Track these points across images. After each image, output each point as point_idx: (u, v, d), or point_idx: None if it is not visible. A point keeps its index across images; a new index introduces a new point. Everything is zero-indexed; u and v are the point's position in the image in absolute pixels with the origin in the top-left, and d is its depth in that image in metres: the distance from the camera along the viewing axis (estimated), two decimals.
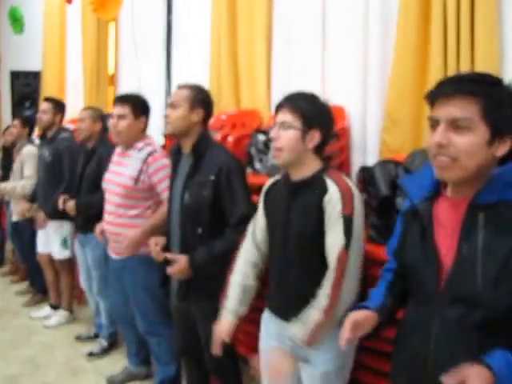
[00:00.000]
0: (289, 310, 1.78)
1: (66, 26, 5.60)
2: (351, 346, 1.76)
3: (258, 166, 2.74)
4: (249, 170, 2.71)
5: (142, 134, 2.79)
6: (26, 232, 4.46)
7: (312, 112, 1.74)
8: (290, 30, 2.84)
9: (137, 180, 2.66)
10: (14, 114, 5.88)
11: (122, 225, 2.73)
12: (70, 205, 3.29)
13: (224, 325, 1.93)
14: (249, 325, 2.27)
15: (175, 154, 2.38)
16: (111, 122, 2.75)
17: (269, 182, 1.96)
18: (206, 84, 2.50)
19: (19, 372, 3.40)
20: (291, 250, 1.77)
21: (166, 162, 2.62)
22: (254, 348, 2.07)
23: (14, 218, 4.58)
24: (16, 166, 4.48)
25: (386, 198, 2.06)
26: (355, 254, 1.66)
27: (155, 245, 2.33)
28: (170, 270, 2.22)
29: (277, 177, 1.92)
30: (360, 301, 1.57)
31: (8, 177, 4.68)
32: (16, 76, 6.14)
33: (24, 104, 6.00)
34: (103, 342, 3.64)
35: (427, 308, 1.27)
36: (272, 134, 1.77)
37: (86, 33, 4.93)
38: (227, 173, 2.17)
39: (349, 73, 2.55)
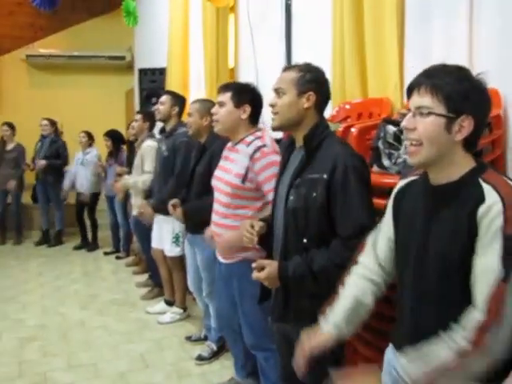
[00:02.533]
0: (405, 337, 1.40)
1: (189, 21, 5.61)
2: None
3: (386, 163, 2.23)
4: (375, 169, 2.26)
5: (249, 125, 2.52)
6: (145, 226, 4.46)
7: (460, 92, 1.26)
8: (428, 1, 2.39)
9: (244, 178, 2.39)
10: (140, 110, 5.99)
11: (228, 226, 2.48)
12: (178, 212, 3.14)
13: (318, 337, 1.56)
14: None
15: (286, 147, 2.04)
16: (212, 110, 2.55)
17: (400, 183, 1.52)
18: (328, 72, 2.12)
19: (127, 368, 3.36)
20: (427, 277, 1.33)
21: (277, 158, 2.32)
22: None
23: (134, 212, 4.62)
24: (137, 160, 4.50)
25: None
26: None
27: (250, 227, 1.99)
28: (255, 274, 1.90)
29: (411, 177, 1.48)
30: None
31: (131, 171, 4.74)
32: (144, 73, 6.30)
33: (150, 99, 6.10)
34: (212, 346, 3.49)
35: None
36: (405, 122, 1.34)
37: (206, 27, 4.85)
38: (344, 171, 1.76)
39: (506, 47, 2.02)
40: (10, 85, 9.49)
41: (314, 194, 1.79)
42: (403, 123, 1.35)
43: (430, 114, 1.28)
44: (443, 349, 1.24)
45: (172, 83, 5.54)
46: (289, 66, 2.00)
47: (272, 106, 1.94)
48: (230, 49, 4.70)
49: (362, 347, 2.13)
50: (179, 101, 3.92)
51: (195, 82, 5.42)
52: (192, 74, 5.54)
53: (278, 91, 1.93)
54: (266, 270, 1.86)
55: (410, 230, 1.40)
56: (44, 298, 4.76)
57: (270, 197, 2.27)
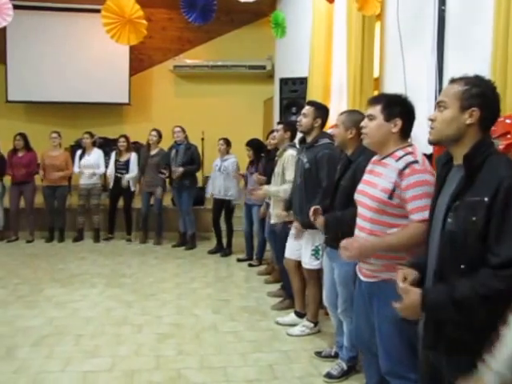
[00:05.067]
0: None
1: (333, 30, 5.55)
2: None
3: None
4: None
5: (400, 140, 2.39)
6: (280, 235, 4.46)
7: None
8: None
9: (391, 194, 2.27)
10: (281, 120, 6.05)
11: None
12: (320, 221, 3.09)
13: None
14: None
15: (443, 165, 1.89)
16: (362, 123, 2.46)
17: None
18: None
19: (256, 377, 3.36)
20: None
21: (428, 177, 2.20)
22: None
23: (272, 220, 4.65)
24: (277, 168, 4.52)
25: None
26: None
27: (403, 278, 1.89)
28: (395, 304, 1.80)
29: None
30: None
31: (270, 180, 4.78)
32: (285, 82, 6.35)
33: (290, 109, 6.13)
34: (343, 365, 3.37)
35: None
36: None
37: (351, 35, 4.76)
38: (506, 193, 1.59)
39: None
40: (158, 94, 10.17)
41: (474, 219, 1.63)
42: None
43: None
44: None
45: (313, 93, 5.53)
46: (455, 79, 1.84)
47: (431, 120, 1.82)
48: (375, 58, 4.56)
49: None
50: (322, 112, 3.83)
51: (337, 92, 5.35)
52: (334, 84, 5.48)
53: (439, 104, 1.81)
54: (406, 299, 1.76)
55: None
56: (180, 298, 4.96)
57: (415, 216, 2.17)
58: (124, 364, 3.49)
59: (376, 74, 4.54)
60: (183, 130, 7.19)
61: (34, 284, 5.34)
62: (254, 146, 6.37)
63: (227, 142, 6.92)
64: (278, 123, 4.82)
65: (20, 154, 7.46)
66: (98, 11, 5.45)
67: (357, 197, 2.52)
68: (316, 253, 3.86)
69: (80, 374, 3.33)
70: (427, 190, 2.15)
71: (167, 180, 7.41)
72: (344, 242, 2.35)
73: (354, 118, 3.09)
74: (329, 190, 3.33)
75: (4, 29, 8.14)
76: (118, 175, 7.47)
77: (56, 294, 4.99)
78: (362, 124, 2.46)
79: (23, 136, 7.51)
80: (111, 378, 3.29)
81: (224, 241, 6.97)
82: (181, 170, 6.97)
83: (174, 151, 7.20)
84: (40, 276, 5.68)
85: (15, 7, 4.35)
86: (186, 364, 3.51)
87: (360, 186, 2.52)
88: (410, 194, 2.23)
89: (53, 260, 6.45)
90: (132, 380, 3.27)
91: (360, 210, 2.46)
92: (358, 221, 2.47)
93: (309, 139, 3.84)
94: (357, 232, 2.49)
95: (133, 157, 7.50)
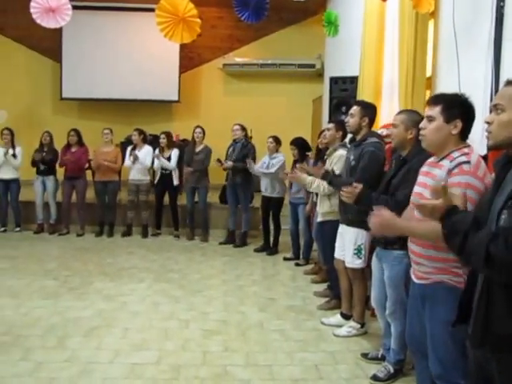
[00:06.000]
0: None
1: (385, 28, 5.45)
2: None
3: None
4: None
5: (458, 141, 2.32)
6: (328, 234, 4.41)
7: None
8: None
9: None
10: (331, 119, 6.00)
11: (428, 245, 2.30)
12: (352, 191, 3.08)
13: None
14: None
15: (502, 166, 1.83)
16: (420, 125, 2.40)
17: None
18: None
19: (301, 377, 3.35)
20: None
21: (473, 181, 2.15)
22: None
23: (319, 219, 4.62)
24: (326, 167, 4.47)
25: None
26: None
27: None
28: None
29: None
30: None
31: None
32: (335, 81, 6.28)
33: (340, 108, 6.06)
34: (389, 368, 3.32)
35: None
36: None
37: (403, 33, 4.65)
38: None
39: None
40: (207, 92, 10.26)
41: None
42: None
43: None
44: None
45: (364, 92, 5.44)
46: (511, 80, 1.79)
47: (488, 123, 1.78)
48: (428, 56, 4.45)
49: None
50: (369, 111, 3.83)
51: (388, 91, 5.25)
52: (385, 83, 5.38)
53: (496, 107, 1.76)
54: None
55: None
56: (226, 295, 5.00)
57: None
58: (171, 358, 3.54)
59: (429, 73, 4.43)
60: (242, 128, 7.21)
61: (84, 276, 5.49)
62: (299, 145, 6.34)
63: (276, 140, 6.90)
64: (330, 122, 4.78)
65: (73, 150, 7.68)
66: (150, 10, 5.57)
67: (413, 199, 2.47)
68: (358, 252, 3.84)
69: (128, 365, 3.40)
70: (468, 194, 2.09)
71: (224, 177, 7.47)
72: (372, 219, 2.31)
73: (414, 118, 3.03)
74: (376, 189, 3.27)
75: (60, 28, 8.39)
76: (162, 171, 7.58)
77: (105, 287, 5.11)
78: (421, 125, 2.41)
79: (77, 132, 7.74)
80: (158, 371, 3.34)
81: (271, 239, 6.97)
82: (230, 163, 7.03)
83: (231, 148, 7.26)
84: (90, 269, 5.84)
85: (72, 7, 4.47)
86: (232, 361, 3.53)
87: (416, 189, 2.48)
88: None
89: (102, 254, 6.62)
90: (178, 374, 3.31)
91: (416, 212, 2.41)
92: None
93: (357, 138, 3.84)
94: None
95: (173, 152, 7.58)
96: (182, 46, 9.40)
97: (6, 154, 7.57)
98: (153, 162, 7.65)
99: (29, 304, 4.53)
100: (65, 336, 3.85)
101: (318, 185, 4.32)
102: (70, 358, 3.49)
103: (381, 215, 2.24)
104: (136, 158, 7.49)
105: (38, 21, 4.37)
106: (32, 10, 4.34)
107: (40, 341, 3.75)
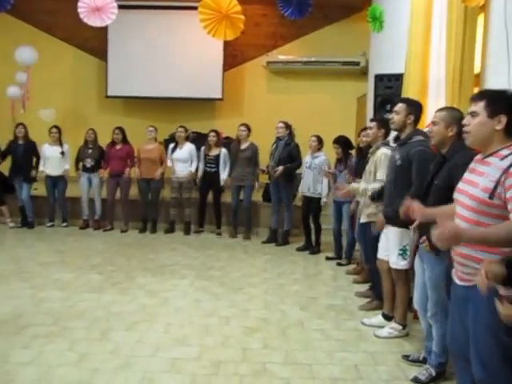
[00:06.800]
0: None
1: (432, 23, 5.32)
2: None
3: None
4: None
5: (505, 138, 2.23)
6: (371, 234, 4.36)
7: None
8: None
9: (492, 193, 2.13)
10: (374, 117, 5.91)
11: (472, 246, 2.23)
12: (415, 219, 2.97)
13: None
14: None
15: None
16: (463, 121, 2.34)
17: None
18: None
19: (341, 376, 3.32)
20: None
21: None
22: None
23: (362, 219, 4.57)
24: (369, 167, 4.44)
25: None
26: None
27: (485, 273, 1.83)
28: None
29: None
30: None
31: (360, 177, 4.71)
32: (380, 79, 6.18)
33: (385, 106, 5.96)
34: (431, 370, 3.25)
35: None
36: None
37: (451, 28, 4.51)
38: None
39: None
40: (251, 89, 10.27)
41: None
42: None
43: None
44: None
45: (409, 90, 5.33)
46: None
47: None
48: (477, 52, 4.32)
49: None
50: (415, 108, 3.76)
51: (434, 89, 5.12)
52: (432, 81, 5.25)
53: None
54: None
55: None
56: (267, 293, 5.00)
57: None
58: (211, 354, 3.56)
59: (477, 69, 4.30)
60: (286, 126, 7.14)
61: (127, 272, 5.59)
62: (342, 143, 6.27)
63: (319, 139, 6.84)
64: (372, 120, 4.72)
65: (118, 147, 7.84)
66: (193, 8, 5.61)
67: (456, 196, 2.40)
68: (403, 253, 3.78)
69: (169, 360, 3.44)
70: None
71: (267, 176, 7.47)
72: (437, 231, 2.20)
73: (454, 115, 2.97)
74: (420, 188, 3.20)
75: (106, 28, 8.59)
76: (208, 169, 7.63)
77: (148, 283, 5.19)
78: (465, 121, 2.34)
79: (121, 130, 7.89)
80: (199, 366, 3.37)
81: (313, 238, 6.93)
82: (280, 168, 6.97)
83: (274, 146, 7.25)
84: (133, 264, 5.95)
85: (117, 7, 4.56)
86: (272, 358, 3.53)
87: (460, 185, 2.40)
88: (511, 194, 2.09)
89: (145, 250, 6.73)
90: (218, 370, 3.33)
91: (458, 209, 2.34)
92: (456, 220, 2.35)
93: (402, 136, 3.77)
94: None
95: (223, 153, 7.61)
96: (226, 44, 9.44)
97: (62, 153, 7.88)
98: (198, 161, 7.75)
99: (75, 297, 4.66)
100: (108, 329, 3.93)
101: (366, 188, 4.30)
102: (112, 350, 3.56)
103: (447, 227, 2.14)
104: None
105: (85, 20, 4.49)
106: (79, 10, 4.45)
107: (85, 333, 3.85)
